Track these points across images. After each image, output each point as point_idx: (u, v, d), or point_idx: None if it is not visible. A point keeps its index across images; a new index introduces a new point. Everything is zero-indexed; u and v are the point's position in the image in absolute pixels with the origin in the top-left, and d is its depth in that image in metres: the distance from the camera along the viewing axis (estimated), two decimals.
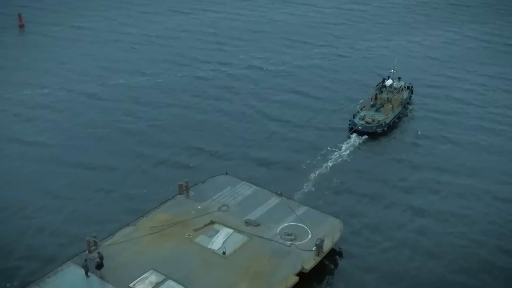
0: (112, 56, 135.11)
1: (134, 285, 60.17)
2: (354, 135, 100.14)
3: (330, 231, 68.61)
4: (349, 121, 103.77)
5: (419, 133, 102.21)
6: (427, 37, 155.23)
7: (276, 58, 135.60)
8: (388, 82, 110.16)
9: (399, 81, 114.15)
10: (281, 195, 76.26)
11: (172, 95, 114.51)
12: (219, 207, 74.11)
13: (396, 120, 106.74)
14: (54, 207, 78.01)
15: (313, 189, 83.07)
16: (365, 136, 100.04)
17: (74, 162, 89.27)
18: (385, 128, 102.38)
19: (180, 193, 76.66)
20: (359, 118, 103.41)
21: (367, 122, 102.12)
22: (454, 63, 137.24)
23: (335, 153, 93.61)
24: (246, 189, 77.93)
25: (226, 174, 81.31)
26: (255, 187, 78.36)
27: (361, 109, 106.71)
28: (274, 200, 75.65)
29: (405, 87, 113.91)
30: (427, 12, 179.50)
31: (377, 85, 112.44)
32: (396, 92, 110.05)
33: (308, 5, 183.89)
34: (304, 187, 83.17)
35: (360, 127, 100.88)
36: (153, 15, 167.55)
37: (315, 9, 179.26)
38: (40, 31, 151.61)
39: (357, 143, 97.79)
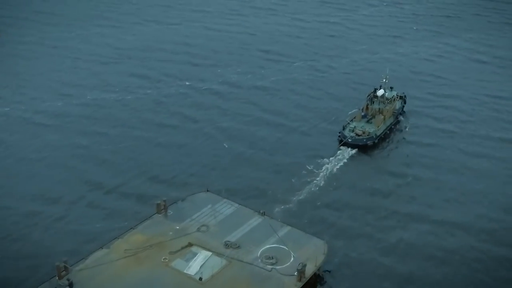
0: (82, 72, 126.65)
1: None
2: (343, 148, 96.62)
3: (314, 254, 65.12)
4: (339, 133, 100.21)
5: (407, 156, 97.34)
6: (419, 47, 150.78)
7: (256, 72, 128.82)
8: (380, 92, 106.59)
9: (391, 90, 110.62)
10: (263, 214, 72.71)
11: (141, 113, 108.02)
12: (198, 228, 70.57)
13: (388, 131, 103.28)
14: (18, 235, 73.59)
15: (299, 206, 79.62)
16: (355, 149, 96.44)
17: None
18: (376, 141, 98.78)
19: (158, 212, 73.14)
20: (349, 130, 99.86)
21: (357, 134, 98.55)
22: (446, 72, 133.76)
23: (323, 168, 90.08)
24: (227, 208, 74.44)
25: (207, 191, 77.76)
26: (236, 205, 74.86)
27: (351, 121, 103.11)
28: (256, 220, 72.11)
29: (397, 97, 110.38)
30: (418, 22, 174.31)
31: (368, 95, 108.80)
32: (388, 103, 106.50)
33: (291, 15, 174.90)
34: (289, 204, 79.70)
35: (349, 140, 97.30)
36: (128, 27, 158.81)
37: (300, 20, 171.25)
38: (8, 43, 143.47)
39: (347, 157, 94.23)
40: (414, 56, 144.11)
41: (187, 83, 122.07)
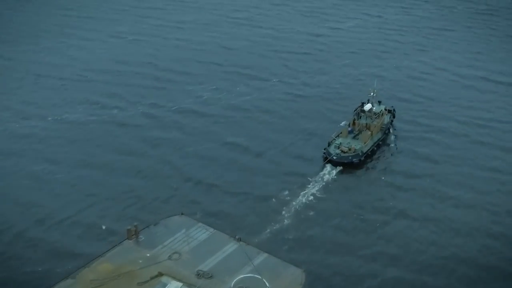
0: (42, 91, 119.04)
1: None
2: (328, 166, 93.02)
3: (290, 284, 61.31)
4: (324, 149, 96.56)
5: (394, 176, 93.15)
6: (409, 61, 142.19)
7: (231, 91, 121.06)
8: (367, 106, 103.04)
9: (379, 105, 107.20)
10: (239, 240, 68.81)
11: (107, 136, 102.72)
12: (169, 255, 66.66)
13: (375, 148, 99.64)
14: None
15: (278, 231, 76.22)
16: (341, 167, 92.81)
17: None
18: (362, 158, 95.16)
19: (128, 238, 69.23)
20: (335, 147, 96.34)
21: (342, 151, 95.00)
22: (436, 87, 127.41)
23: (306, 188, 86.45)
24: (201, 233, 70.50)
25: (182, 214, 73.97)
26: (212, 230, 70.98)
27: (337, 136, 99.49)
28: (232, 246, 68.16)
29: (386, 111, 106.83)
30: (404, 35, 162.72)
31: (355, 110, 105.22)
32: (376, 118, 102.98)
33: (271, 28, 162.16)
34: (268, 228, 76.12)
35: (334, 157, 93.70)
36: (95, 41, 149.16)
37: (280, 32, 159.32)
38: None
39: (331, 176, 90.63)
40: (404, 70, 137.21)
41: (154, 102, 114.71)
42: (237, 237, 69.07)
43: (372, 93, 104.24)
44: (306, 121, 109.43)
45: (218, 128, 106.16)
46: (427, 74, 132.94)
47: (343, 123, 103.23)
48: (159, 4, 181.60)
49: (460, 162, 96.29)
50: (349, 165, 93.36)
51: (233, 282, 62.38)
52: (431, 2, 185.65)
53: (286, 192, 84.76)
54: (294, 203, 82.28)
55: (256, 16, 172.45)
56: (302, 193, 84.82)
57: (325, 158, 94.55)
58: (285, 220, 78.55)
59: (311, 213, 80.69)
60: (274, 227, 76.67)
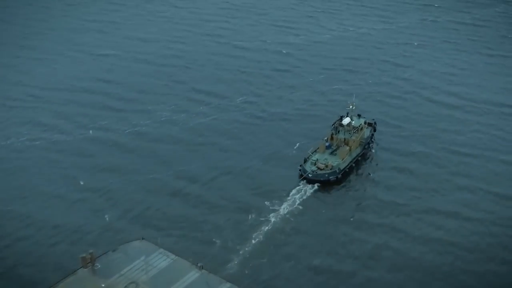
0: None
1: None
2: (303, 184, 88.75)
3: None
4: (300, 166, 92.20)
5: (372, 196, 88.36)
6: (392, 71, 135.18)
7: (191, 111, 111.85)
8: (346, 120, 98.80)
9: (358, 118, 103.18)
10: (201, 268, 64.57)
11: (60, 160, 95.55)
12: (126, 285, 62.32)
13: (354, 164, 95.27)
14: None
15: (245, 256, 71.76)
16: (317, 185, 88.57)
17: None
18: (339, 176, 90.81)
19: (83, 267, 64.74)
20: (311, 163, 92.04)
21: (319, 168, 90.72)
22: (411, 102, 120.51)
23: (278, 209, 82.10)
24: (162, 260, 66.22)
25: (143, 239, 69.62)
26: (173, 256, 66.74)
27: (313, 152, 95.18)
28: (193, 275, 63.95)
29: (366, 125, 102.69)
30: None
31: (333, 124, 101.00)
32: (355, 132, 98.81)
33: (234, 42, 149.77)
34: (234, 254, 71.75)
35: (310, 175, 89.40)
36: (53, 58, 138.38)
37: (244, 47, 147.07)
38: None
39: (306, 195, 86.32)
40: (385, 80, 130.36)
41: (107, 123, 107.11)
42: (199, 264, 64.90)
43: (351, 106, 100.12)
44: (276, 139, 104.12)
45: (175, 153, 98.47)
46: (405, 91, 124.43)
47: (325, 139, 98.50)
48: (123, 17, 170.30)
49: (444, 181, 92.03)
50: (326, 183, 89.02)
51: None
52: (412, 13, 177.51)
53: (254, 215, 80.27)
54: (263, 227, 77.82)
55: (225, 29, 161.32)
56: (272, 215, 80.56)
57: (301, 176, 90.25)
58: (252, 246, 74.08)
59: (281, 237, 76.21)
60: (240, 254, 72.24)
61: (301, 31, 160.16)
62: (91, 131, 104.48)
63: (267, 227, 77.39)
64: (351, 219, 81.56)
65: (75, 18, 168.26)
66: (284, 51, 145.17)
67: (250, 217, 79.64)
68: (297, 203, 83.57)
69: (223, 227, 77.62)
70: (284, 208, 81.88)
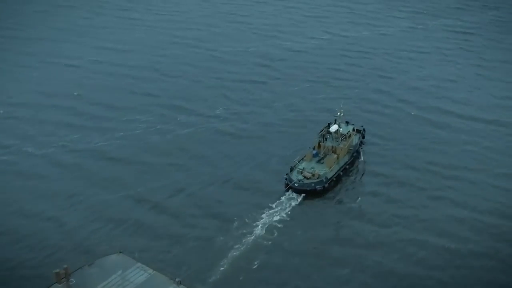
0: None
1: None
2: (289, 194, 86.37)
3: None
4: (286, 175, 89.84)
5: (360, 206, 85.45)
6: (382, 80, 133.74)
7: (164, 127, 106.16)
8: (333, 128, 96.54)
9: (347, 125, 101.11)
10: (179, 283, 62.12)
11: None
12: None
13: (341, 173, 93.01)
14: None
15: (226, 271, 69.26)
16: (303, 195, 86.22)
17: None
18: (326, 185, 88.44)
19: (57, 282, 62.03)
20: (297, 172, 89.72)
21: (305, 177, 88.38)
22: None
23: (261, 220, 79.53)
24: (139, 275, 63.69)
25: (120, 252, 67.09)
26: (151, 271, 64.21)
27: (300, 161, 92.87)
28: None
29: (354, 132, 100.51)
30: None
31: (320, 132, 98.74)
32: (343, 139, 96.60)
33: (211, 50, 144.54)
34: (215, 268, 69.16)
35: (296, 184, 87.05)
36: (12, 68, 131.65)
37: (224, 52, 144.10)
38: None
39: (291, 205, 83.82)
40: (372, 88, 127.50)
41: (67, 143, 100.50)
42: (177, 279, 62.49)
43: (339, 113, 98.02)
44: (260, 148, 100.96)
45: (150, 167, 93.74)
46: (391, 100, 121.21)
47: (312, 147, 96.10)
48: (96, 25, 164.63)
49: (436, 190, 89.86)
50: (312, 193, 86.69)
51: None
52: (401, 19, 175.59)
53: (236, 228, 77.58)
54: (244, 240, 75.12)
55: (204, 35, 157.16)
56: (254, 228, 77.84)
57: (286, 185, 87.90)
58: (233, 260, 71.47)
59: (264, 250, 73.57)
60: (220, 268, 69.64)
61: (286, 38, 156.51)
62: (51, 149, 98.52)
63: (249, 240, 74.89)
64: (336, 232, 78.74)
65: (45, 26, 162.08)
66: (268, 60, 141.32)
67: (231, 230, 76.98)
68: (281, 215, 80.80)
69: (204, 240, 75.08)
70: (267, 220, 79.24)
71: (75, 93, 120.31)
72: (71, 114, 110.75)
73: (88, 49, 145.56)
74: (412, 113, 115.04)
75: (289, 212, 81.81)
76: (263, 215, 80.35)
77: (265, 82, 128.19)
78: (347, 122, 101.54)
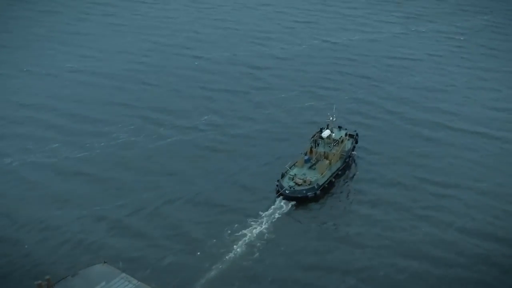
0: None
1: None
2: (280, 201, 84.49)
3: None
4: (277, 181, 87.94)
5: (351, 213, 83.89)
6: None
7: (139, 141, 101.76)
8: (325, 133, 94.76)
9: (339, 130, 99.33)
10: None
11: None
12: None
13: (334, 179, 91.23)
14: None
15: (214, 281, 67.15)
16: (294, 202, 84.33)
17: None
18: (318, 192, 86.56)
19: None
20: (289, 178, 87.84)
21: (297, 184, 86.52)
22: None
23: (251, 228, 77.55)
24: (124, 286, 62.31)
25: (105, 263, 65.26)
26: (135, 282, 62.67)
27: (291, 167, 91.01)
28: None
29: (347, 137, 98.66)
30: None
31: (312, 137, 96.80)
32: (335, 145, 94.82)
33: (195, 57, 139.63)
34: (202, 279, 67.26)
35: (287, 191, 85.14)
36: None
37: (209, 59, 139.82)
38: None
39: (282, 212, 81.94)
40: (362, 95, 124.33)
41: (57, 146, 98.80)
42: None
43: (331, 118, 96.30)
44: (249, 155, 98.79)
45: (137, 177, 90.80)
46: (384, 106, 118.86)
47: (303, 152, 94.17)
48: (82, 30, 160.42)
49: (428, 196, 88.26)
50: (303, 200, 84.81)
51: None
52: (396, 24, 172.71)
53: (224, 237, 75.56)
54: (234, 247, 73.37)
55: (190, 41, 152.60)
56: (246, 233, 76.20)
57: (277, 192, 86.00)
58: (220, 270, 69.53)
59: (253, 259, 71.64)
60: (210, 277, 67.94)
61: (277, 43, 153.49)
62: (37, 156, 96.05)
63: (237, 250, 72.88)
64: (328, 241, 76.84)
65: (27, 33, 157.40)
66: (257, 64, 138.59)
67: (219, 240, 74.79)
68: (270, 223, 78.80)
69: (191, 250, 73.23)
70: (256, 229, 77.06)
71: (57, 100, 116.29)
72: (42, 126, 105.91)
73: (69, 56, 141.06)
74: (401, 123, 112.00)
75: (279, 221, 79.76)
76: (251, 224, 78.29)
77: (248, 92, 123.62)
78: (339, 127, 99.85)
